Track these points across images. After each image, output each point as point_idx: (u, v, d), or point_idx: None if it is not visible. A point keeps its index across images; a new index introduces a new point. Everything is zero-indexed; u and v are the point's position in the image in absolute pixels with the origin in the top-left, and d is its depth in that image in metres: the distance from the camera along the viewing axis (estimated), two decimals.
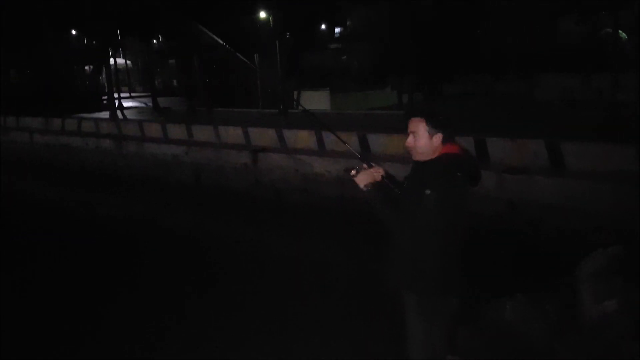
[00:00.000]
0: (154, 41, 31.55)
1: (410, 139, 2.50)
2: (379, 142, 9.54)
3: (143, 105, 25.01)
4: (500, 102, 14.44)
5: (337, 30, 29.47)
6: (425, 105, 2.99)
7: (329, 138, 10.41)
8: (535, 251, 5.90)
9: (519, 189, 7.14)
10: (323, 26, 28.22)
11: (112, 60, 23.77)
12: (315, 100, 18.24)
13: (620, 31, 14.53)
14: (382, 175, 2.60)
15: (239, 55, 23.17)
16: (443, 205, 2.35)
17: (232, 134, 12.09)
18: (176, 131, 13.38)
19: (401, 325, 2.61)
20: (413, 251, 2.46)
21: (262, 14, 20.71)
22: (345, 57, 26.98)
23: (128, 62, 36.15)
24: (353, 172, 2.60)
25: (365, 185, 2.55)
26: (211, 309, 5.03)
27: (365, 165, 2.64)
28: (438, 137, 2.45)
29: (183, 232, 8.00)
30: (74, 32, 29.10)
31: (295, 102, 18.93)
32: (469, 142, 7.85)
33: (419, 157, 2.49)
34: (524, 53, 16.70)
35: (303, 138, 10.79)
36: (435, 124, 2.45)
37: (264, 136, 11.45)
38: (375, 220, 2.51)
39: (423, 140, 2.47)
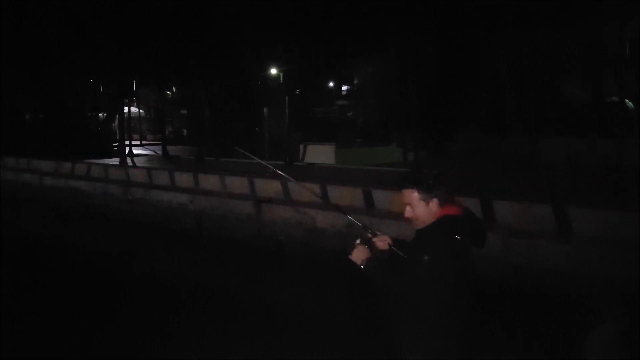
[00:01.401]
0: (167, 92, 32.47)
1: (408, 211, 2.48)
2: (383, 198, 9.54)
3: (153, 153, 25.36)
4: (504, 163, 14.50)
5: (344, 88, 30.35)
6: (412, 173, 3.02)
7: (333, 192, 10.45)
8: (541, 317, 5.74)
9: (525, 253, 7.04)
10: (331, 84, 29.09)
11: (125, 108, 24.34)
12: (321, 154, 18.48)
13: (627, 100, 14.80)
14: (389, 244, 2.57)
15: (247, 108, 23.76)
16: (440, 271, 2.31)
17: (238, 184, 12.17)
18: (183, 179, 13.50)
19: None
20: (413, 316, 2.40)
21: (273, 71, 21.42)
22: (351, 113, 27.59)
23: (141, 110, 37.08)
24: (358, 241, 2.56)
25: (361, 262, 2.49)
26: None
27: (370, 235, 2.61)
28: (434, 202, 2.43)
29: (177, 278, 7.92)
30: (90, 80, 30.08)
31: (301, 155, 19.18)
32: (475, 203, 7.83)
33: (421, 225, 2.46)
34: (529, 115, 16.99)
35: (307, 191, 10.81)
36: (427, 189, 2.43)
37: (268, 187, 11.50)
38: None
39: (420, 208, 2.45)
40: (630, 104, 16.65)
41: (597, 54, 16.57)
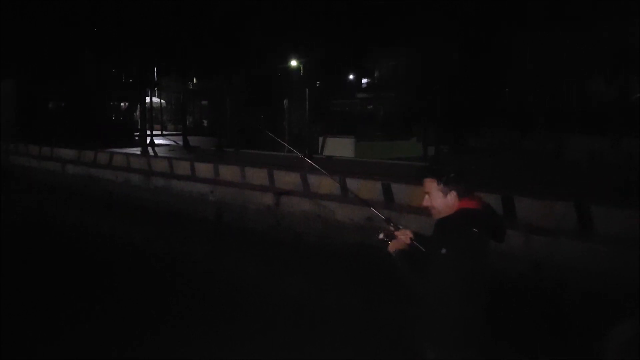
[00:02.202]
0: (189, 82, 32.77)
1: (426, 199, 2.57)
2: (403, 192, 9.53)
3: (173, 143, 25.69)
4: (527, 160, 14.35)
5: (364, 80, 30.22)
6: (434, 165, 3.11)
7: (352, 186, 10.47)
8: (559, 314, 5.72)
9: (545, 250, 6.99)
10: (351, 76, 29.00)
11: (147, 98, 24.67)
12: (340, 147, 18.48)
13: None
14: (410, 238, 2.63)
15: (268, 100, 23.87)
16: (458, 263, 2.36)
17: (258, 175, 12.28)
18: (204, 170, 13.66)
19: None
20: (434, 307, 2.45)
21: (294, 63, 21.45)
22: (371, 106, 27.48)
23: (162, 100, 37.51)
24: (381, 235, 2.66)
25: (394, 252, 2.60)
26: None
27: (392, 228, 2.67)
28: (452, 195, 2.49)
29: (197, 265, 8.11)
30: (112, 68, 30.54)
31: (320, 148, 19.22)
32: (497, 199, 7.79)
33: (438, 215, 2.53)
34: (552, 111, 16.75)
35: (326, 184, 10.87)
36: (447, 182, 2.49)
37: (288, 179, 11.58)
38: (394, 272, 2.53)
39: (438, 199, 2.51)
40: None
41: (622, 51, 16.23)
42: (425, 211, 2.62)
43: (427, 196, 2.55)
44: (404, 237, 2.63)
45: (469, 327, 2.44)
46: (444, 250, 2.37)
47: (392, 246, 2.60)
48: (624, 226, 6.88)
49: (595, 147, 14.73)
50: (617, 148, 14.62)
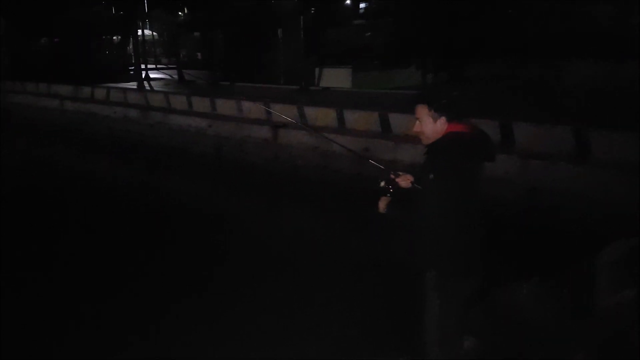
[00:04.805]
0: (180, 13, 31.53)
1: (416, 125, 2.60)
2: (400, 122, 9.47)
3: (168, 77, 25.19)
4: (525, 87, 14.13)
5: (361, 5, 28.98)
6: (428, 91, 3.13)
7: (349, 117, 10.41)
8: (555, 238, 5.87)
9: (542, 175, 7.06)
10: (347, 1, 27.78)
11: (139, 31, 23.85)
12: (337, 78, 18.11)
13: None
14: (411, 182, 2.66)
15: (261, 30, 23.04)
16: (445, 187, 2.41)
17: (254, 108, 12.15)
18: (200, 104, 13.51)
19: (420, 305, 2.68)
20: (430, 233, 2.52)
21: None
22: (369, 33, 26.56)
23: (154, 33, 36.31)
24: (382, 183, 2.73)
25: (384, 209, 2.70)
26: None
27: (392, 175, 2.70)
28: (442, 121, 2.52)
29: (200, 200, 8.29)
30: (102, 1, 29.32)
31: (316, 79, 18.84)
32: (495, 126, 7.76)
33: (426, 141, 2.58)
34: (552, 36, 16.22)
35: (324, 116, 10.79)
36: (437, 108, 2.51)
37: (285, 112, 11.45)
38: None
39: (428, 125, 2.54)
40: None
41: None
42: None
43: (417, 122, 2.57)
44: (404, 182, 2.68)
45: (465, 253, 2.52)
46: (431, 176, 2.42)
47: (382, 205, 2.69)
48: (622, 150, 6.91)
49: (594, 72, 14.44)
50: (615, 72, 14.33)
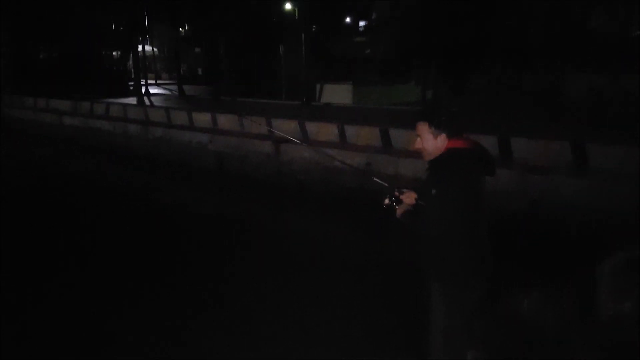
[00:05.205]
0: (180, 29, 31.89)
1: (417, 142, 2.67)
2: (401, 137, 9.59)
3: (169, 92, 25.37)
4: (525, 100, 14.28)
5: (361, 23, 29.37)
6: (428, 108, 3.26)
7: (351, 132, 10.51)
8: (556, 248, 5.94)
9: (542, 188, 7.15)
10: (348, 19, 28.18)
11: (139, 46, 24.08)
12: (338, 94, 18.29)
13: None
14: (415, 198, 2.73)
15: (263, 46, 23.31)
16: (448, 202, 2.47)
17: (256, 123, 12.24)
18: (201, 119, 13.61)
19: (424, 314, 2.74)
20: (435, 247, 2.58)
21: (288, 6, 20.80)
22: (369, 50, 26.84)
23: (155, 49, 36.65)
24: (387, 200, 2.80)
25: (400, 216, 2.77)
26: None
27: (397, 193, 2.77)
28: (442, 137, 2.58)
29: (204, 210, 8.41)
30: (102, 15, 29.63)
31: (317, 95, 19.02)
32: (493, 141, 7.87)
33: (428, 157, 2.66)
34: (553, 48, 16.41)
35: (325, 131, 10.90)
36: (438, 125, 2.59)
37: (286, 127, 11.58)
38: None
39: (429, 142, 2.62)
40: None
41: None
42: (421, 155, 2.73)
43: (418, 139, 2.65)
44: (408, 199, 2.75)
45: (470, 265, 2.58)
46: (434, 191, 2.49)
47: (399, 211, 2.75)
48: (618, 162, 7.02)
49: (594, 84, 14.59)
50: (615, 85, 14.48)
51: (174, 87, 24.93)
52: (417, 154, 2.74)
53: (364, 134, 10.26)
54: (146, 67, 26.51)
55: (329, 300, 4.74)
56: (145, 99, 20.15)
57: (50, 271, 5.75)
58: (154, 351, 3.99)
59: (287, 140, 10.60)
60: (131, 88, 23.47)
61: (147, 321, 4.50)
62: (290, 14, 20.98)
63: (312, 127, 11.15)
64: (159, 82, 33.20)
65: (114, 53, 31.46)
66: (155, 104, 18.82)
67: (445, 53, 16.74)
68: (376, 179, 3.01)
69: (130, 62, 26.03)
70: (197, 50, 33.51)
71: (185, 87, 23.03)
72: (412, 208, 2.71)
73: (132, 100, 19.03)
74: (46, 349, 4.06)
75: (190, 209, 8.41)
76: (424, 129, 2.61)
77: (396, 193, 2.78)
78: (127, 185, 10.36)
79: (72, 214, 8.09)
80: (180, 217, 7.93)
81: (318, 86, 19.16)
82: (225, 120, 13.02)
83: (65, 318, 4.59)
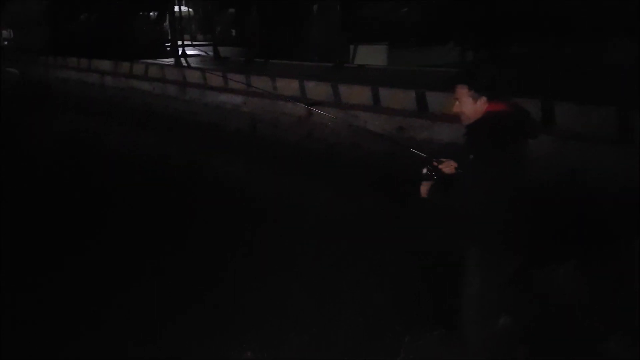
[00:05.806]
0: None
1: (456, 106, 2.57)
2: (437, 101, 9.34)
3: (204, 53, 25.40)
4: (568, 65, 13.63)
5: None
6: (467, 70, 3.07)
7: (385, 95, 10.32)
8: (594, 221, 5.76)
9: (584, 156, 6.89)
10: None
11: (175, 7, 24.05)
12: (372, 55, 17.86)
13: None
14: (455, 167, 2.66)
15: (296, 6, 22.84)
16: (486, 166, 2.39)
17: (289, 86, 12.19)
18: (236, 80, 13.61)
19: (458, 282, 2.73)
20: (476, 211, 2.53)
21: None
22: (406, 9, 25.93)
23: (190, 10, 36.54)
24: (425, 170, 2.72)
25: (426, 193, 2.68)
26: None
27: (435, 162, 2.70)
28: (482, 101, 2.48)
29: (235, 175, 8.66)
30: None
31: (351, 57, 18.65)
32: (536, 105, 7.57)
33: (466, 121, 2.56)
34: (594, 13, 15.46)
35: (358, 94, 10.74)
36: (477, 88, 2.48)
37: (319, 90, 11.48)
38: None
39: (468, 105, 2.52)
40: None
41: None
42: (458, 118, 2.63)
43: (457, 103, 2.55)
44: (447, 169, 2.68)
45: (510, 229, 2.52)
46: (471, 156, 2.42)
47: (423, 189, 2.67)
48: None
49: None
50: None
51: (209, 49, 24.93)
52: (453, 118, 2.66)
53: (398, 98, 10.06)
54: (182, 29, 26.52)
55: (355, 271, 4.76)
56: (182, 60, 20.29)
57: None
58: None
59: (320, 102, 10.55)
60: (168, 49, 23.60)
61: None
62: None
63: (344, 90, 11.01)
64: (194, 43, 33.21)
65: (151, 14, 31.54)
66: (192, 65, 18.94)
67: (485, 17, 16.00)
68: (413, 150, 2.90)
69: (167, 23, 26.09)
70: (230, 11, 33.15)
71: (220, 49, 23.00)
72: (450, 178, 2.64)
73: (170, 62, 19.20)
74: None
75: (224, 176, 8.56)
76: (462, 92, 2.52)
77: (434, 163, 2.71)
78: (164, 152, 10.60)
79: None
80: (213, 183, 8.10)
81: (352, 48, 18.75)
82: (259, 82, 13.00)
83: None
